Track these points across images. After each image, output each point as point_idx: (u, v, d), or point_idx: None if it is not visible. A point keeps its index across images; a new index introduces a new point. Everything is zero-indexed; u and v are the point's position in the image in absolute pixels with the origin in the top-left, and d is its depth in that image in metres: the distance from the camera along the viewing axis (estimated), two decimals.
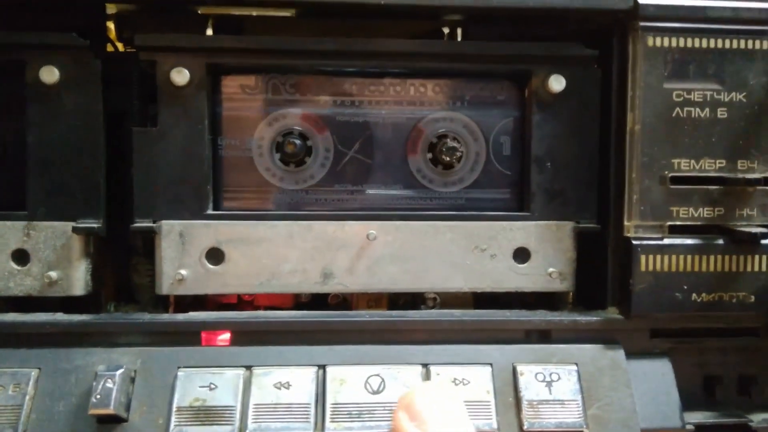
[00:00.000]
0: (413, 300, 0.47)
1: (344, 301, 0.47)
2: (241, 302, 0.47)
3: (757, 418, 0.44)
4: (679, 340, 0.44)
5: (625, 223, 0.43)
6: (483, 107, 0.46)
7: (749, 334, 0.45)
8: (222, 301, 0.47)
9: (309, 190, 0.46)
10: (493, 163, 0.47)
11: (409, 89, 0.46)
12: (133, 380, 0.40)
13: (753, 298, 0.42)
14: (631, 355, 0.43)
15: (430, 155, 0.46)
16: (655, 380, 0.43)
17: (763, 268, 0.42)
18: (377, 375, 0.41)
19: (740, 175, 0.42)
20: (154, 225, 0.42)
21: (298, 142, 0.44)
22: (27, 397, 0.38)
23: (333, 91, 0.45)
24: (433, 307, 0.46)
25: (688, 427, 0.42)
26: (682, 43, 0.42)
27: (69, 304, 0.43)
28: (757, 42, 0.42)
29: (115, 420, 0.38)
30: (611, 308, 0.44)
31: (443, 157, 0.45)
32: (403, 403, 0.35)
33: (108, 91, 0.43)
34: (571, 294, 0.47)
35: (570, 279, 0.45)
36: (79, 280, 0.42)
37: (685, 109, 0.42)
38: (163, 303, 0.45)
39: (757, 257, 0.42)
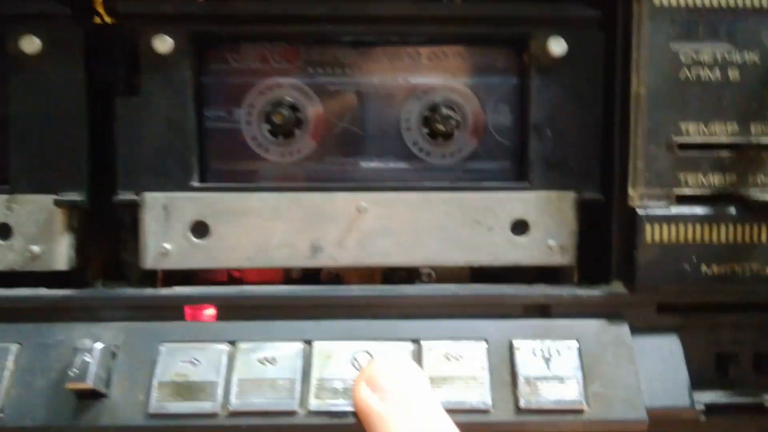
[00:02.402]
0: (408, 277, 0.45)
1: (337, 278, 0.46)
2: (232, 280, 0.46)
3: None
4: (688, 315, 0.42)
5: (630, 192, 0.40)
6: (481, 75, 0.44)
7: (764, 309, 0.42)
8: (212, 278, 0.45)
9: (299, 162, 0.44)
10: (491, 134, 0.45)
11: (403, 56, 0.44)
12: (114, 355, 0.38)
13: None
14: (637, 331, 0.41)
15: (425, 125, 0.44)
16: (662, 357, 0.41)
17: None
18: (365, 351, 0.39)
19: (753, 140, 0.39)
20: (137, 197, 0.41)
21: (286, 112, 0.43)
22: (7, 372, 0.37)
23: (323, 60, 0.44)
24: (428, 283, 0.45)
25: (698, 406, 0.40)
26: (690, 2, 0.40)
27: (55, 280, 0.42)
28: None
29: (95, 395, 0.37)
30: (616, 283, 0.42)
31: (438, 126, 0.43)
32: (365, 375, 0.34)
33: (96, 63, 0.42)
34: (575, 270, 0.44)
35: (571, 252, 0.43)
36: (61, 254, 0.41)
37: (694, 70, 0.39)
38: (151, 280, 0.44)
39: None
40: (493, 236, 0.42)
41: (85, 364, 0.36)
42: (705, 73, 0.39)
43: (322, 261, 0.42)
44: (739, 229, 0.40)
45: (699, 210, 0.40)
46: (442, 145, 0.44)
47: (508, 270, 0.44)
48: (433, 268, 0.45)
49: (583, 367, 0.39)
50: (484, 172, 0.45)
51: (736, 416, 0.41)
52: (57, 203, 0.41)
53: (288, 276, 0.45)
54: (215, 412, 0.37)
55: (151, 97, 0.41)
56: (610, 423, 0.38)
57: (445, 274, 0.45)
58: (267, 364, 0.38)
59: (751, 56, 0.39)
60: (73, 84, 0.41)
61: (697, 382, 0.41)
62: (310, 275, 0.45)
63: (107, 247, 0.46)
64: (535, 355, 0.39)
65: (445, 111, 0.43)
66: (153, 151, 0.41)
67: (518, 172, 0.44)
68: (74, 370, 0.36)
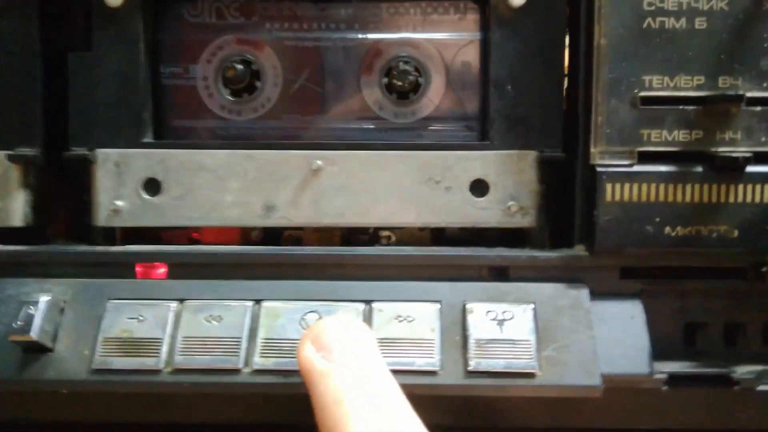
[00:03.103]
0: (368, 241, 0.44)
1: (297, 242, 0.45)
2: (192, 242, 0.45)
3: (741, 370, 0.39)
4: (653, 281, 0.40)
5: (591, 149, 0.39)
6: (442, 30, 0.43)
7: (734, 276, 0.40)
8: (173, 241, 0.45)
9: (256, 120, 0.43)
10: (454, 92, 0.43)
11: (363, 12, 0.43)
12: (62, 311, 0.38)
13: (736, 232, 0.38)
14: (598, 296, 0.39)
15: (385, 82, 0.43)
16: (623, 324, 0.39)
17: (748, 199, 0.38)
18: (314, 311, 0.38)
19: (721, 94, 0.37)
20: (89, 153, 0.41)
21: (239, 66, 0.42)
22: None
23: (280, 15, 0.43)
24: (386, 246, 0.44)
25: (659, 376, 0.38)
26: None
27: (15, 237, 0.42)
28: None
29: (41, 349, 0.37)
30: (578, 246, 0.40)
31: (396, 82, 0.42)
32: (311, 333, 0.33)
33: (54, 19, 0.42)
34: (540, 233, 0.42)
35: (533, 214, 0.41)
36: (17, 210, 0.41)
37: (658, 19, 0.37)
38: (111, 240, 0.44)
39: (740, 186, 0.38)
40: (452, 196, 0.41)
41: (29, 317, 0.36)
42: (670, 22, 0.37)
43: (276, 220, 0.41)
44: (706, 188, 0.38)
45: (663, 168, 0.38)
46: (402, 103, 0.43)
47: (473, 235, 0.43)
48: (392, 231, 0.44)
49: (537, 331, 0.37)
50: (446, 132, 0.44)
51: (700, 388, 0.39)
52: (11, 158, 0.41)
53: (247, 238, 0.45)
54: (159, 369, 0.37)
55: (104, 53, 0.41)
56: (562, 388, 0.36)
57: (405, 237, 0.44)
58: (213, 322, 0.38)
59: (719, 3, 0.37)
60: (28, 39, 0.41)
61: (664, 352, 0.39)
62: (271, 239, 0.44)
63: (74, 208, 0.46)
64: (488, 317, 0.38)
65: (403, 66, 0.42)
66: (106, 107, 0.41)
67: (482, 133, 0.43)
68: (18, 322, 0.36)
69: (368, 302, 0.39)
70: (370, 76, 0.43)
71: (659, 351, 0.39)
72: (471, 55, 0.43)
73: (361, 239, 0.44)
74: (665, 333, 0.41)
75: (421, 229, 0.44)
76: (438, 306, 0.38)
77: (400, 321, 0.38)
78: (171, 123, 0.43)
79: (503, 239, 0.43)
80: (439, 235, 0.44)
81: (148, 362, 0.37)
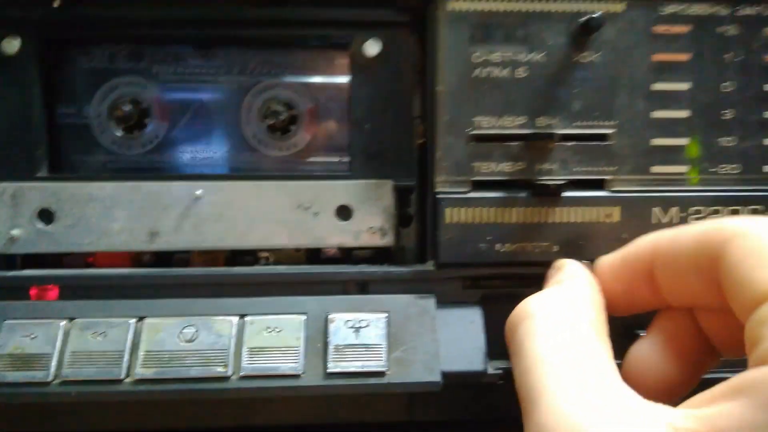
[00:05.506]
0: (251, 262, 0.49)
1: (186, 264, 0.49)
2: (88, 266, 0.49)
3: None
4: (490, 290, 0.46)
5: (435, 179, 0.45)
6: (314, 74, 0.49)
7: None
8: (70, 265, 0.49)
9: (144, 155, 0.48)
10: (324, 129, 0.49)
11: (244, 56, 0.49)
12: None
13: (557, 247, 0.45)
14: (444, 304, 0.45)
15: (262, 121, 0.49)
16: (463, 328, 0.45)
17: (565, 219, 0.45)
18: (192, 325, 0.43)
19: (539, 132, 0.44)
20: None
21: (127, 107, 0.47)
22: None
23: (165, 59, 0.48)
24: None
25: (494, 371, 0.44)
26: (483, 7, 0.44)
27: None
28: (553, 4, 0.44)
29: None
30: (430, 262, 0.47)
31: (268, 120, 0.48)
32: None
33: None
34: (404, 254, 0.48)
35: (391, 235, 0.47)
36: None
37: (485, 69, 0.44)
38: (12, 266, 0.48)
39: (558, 209, 0.44)
40: (320, 221, 0.47)
41: None
42: (496, 72, 0.44)
43: (159, 245, 0.46)
44: (529, 211, 0.44)
45: (493, 194, 0.44)
46: (279, 138, 0.49)
47: (345, 256, 0.49)
48: (271, 252, 0.49)
49: (388, 336, 0.43)
50: (320, 165, 0.49)
51: None
52: None
53: (139, 262, 0.49)
54: (48, 381, 0.41)
55: (1, 96, 0.45)
56: (407, 384, 0.42)
57: (284, 259, 0.49)
58: (99, 337, 0.42)
59: (537, 55, 0.44)
60: None
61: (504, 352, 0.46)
62: (161, 262, 0.49)
63: None
64: (347, 325, 0.43)
65: (275, 107, 0.48)
66: (3, 144, 0.45)
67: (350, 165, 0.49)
68: None
69: (242, 316, 0.44)
70: (249, 116, 0.49)
71: (501, 351, 0.45)
72: (340, 97, 0.49)
73: (244, 260, 0.49)
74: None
75: (297, 250, 0.49)
76: (304, 317, 0.44)
77: (269, 332, 0.43)
78: (67, 157, 0.48)
79: (371, 258, 0.49)
80: (314, 256, 0.49)
81: (38, 375, 0.41)
